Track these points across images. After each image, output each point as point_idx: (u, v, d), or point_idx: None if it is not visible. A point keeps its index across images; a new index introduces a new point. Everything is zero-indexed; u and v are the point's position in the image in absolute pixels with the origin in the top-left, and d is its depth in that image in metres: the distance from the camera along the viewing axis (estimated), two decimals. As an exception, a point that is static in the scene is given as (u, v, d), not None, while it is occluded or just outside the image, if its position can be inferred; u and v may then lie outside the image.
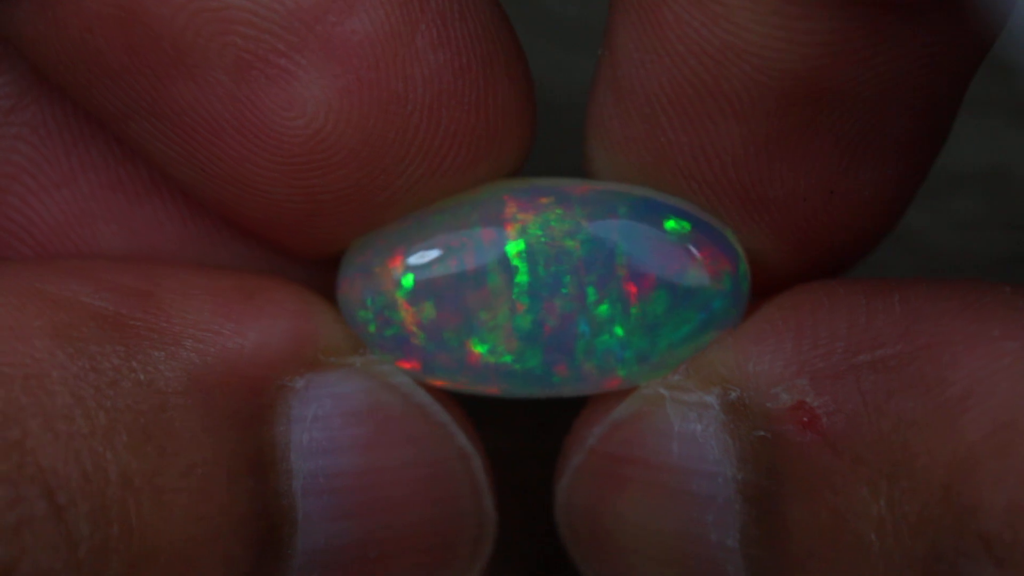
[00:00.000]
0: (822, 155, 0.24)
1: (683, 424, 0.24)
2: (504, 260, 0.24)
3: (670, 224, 0.25)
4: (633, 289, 0.24)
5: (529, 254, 0.24)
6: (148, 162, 0.26)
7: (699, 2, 0.23)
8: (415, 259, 0.24)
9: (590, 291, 0.24)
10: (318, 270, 0.26)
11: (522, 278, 0.24)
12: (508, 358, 0.24)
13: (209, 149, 0.24)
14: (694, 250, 0.24)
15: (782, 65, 0.23)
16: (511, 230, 0.24)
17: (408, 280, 0.24)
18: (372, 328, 0.25)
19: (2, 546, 0.20)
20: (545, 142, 0.26)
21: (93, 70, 0.24)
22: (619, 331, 0.24)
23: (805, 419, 0.23)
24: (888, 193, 0.26)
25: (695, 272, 0.24)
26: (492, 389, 0.25)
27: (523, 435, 0.27)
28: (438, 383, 0.25)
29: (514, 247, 0.24)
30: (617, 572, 0.26)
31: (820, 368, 0.23)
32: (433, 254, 0.24)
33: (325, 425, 0.24)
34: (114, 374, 0.22)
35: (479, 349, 0.24)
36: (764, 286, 0.26)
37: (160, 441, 0.22)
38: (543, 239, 0.24)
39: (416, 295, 0.24)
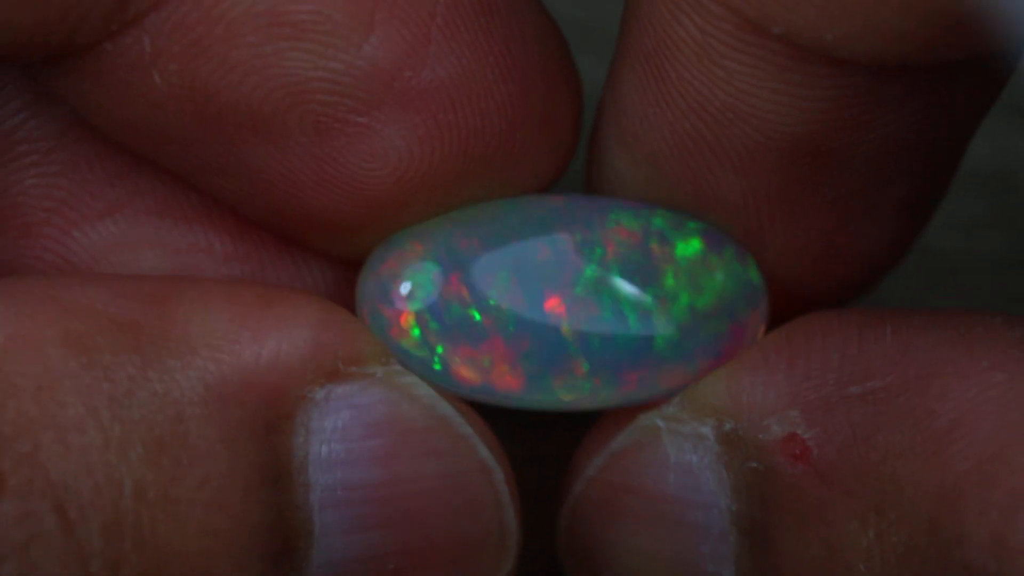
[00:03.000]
0: (821, 210, 0.25)
1: (679, 455, 0.25)
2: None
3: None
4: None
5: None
6: (217, 201, 0.26)
7: (702, 64, 0.23)
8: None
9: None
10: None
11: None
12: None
13: (286, 197, 0.25)
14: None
15: (782, 127, 0.23)
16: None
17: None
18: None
19: (12, 562, 0.20)
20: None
21: (161, 138, 0.24)
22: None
23: (796, 451, 0.23)
24: (886, 245, 0.26)
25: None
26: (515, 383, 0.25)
27: (527, 443, 0.27)
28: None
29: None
30: None
31: (811, 400, 0.23)
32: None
33: (344, 436, 0.24)
34: (129, 384, 0.22)
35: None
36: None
37: (175, 452, 0.22)
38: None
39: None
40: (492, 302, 0.24)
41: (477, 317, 0.24)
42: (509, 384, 0.24)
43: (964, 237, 0.34)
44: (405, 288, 0.24)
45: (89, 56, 0.23)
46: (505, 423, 0.26)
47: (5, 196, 0.26)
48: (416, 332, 0.24)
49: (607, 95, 0.26)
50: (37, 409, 0.21)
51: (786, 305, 0.26)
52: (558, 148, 0.25)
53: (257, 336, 0.23)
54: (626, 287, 0.24)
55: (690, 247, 0.25)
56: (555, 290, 0.24)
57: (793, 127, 0.23)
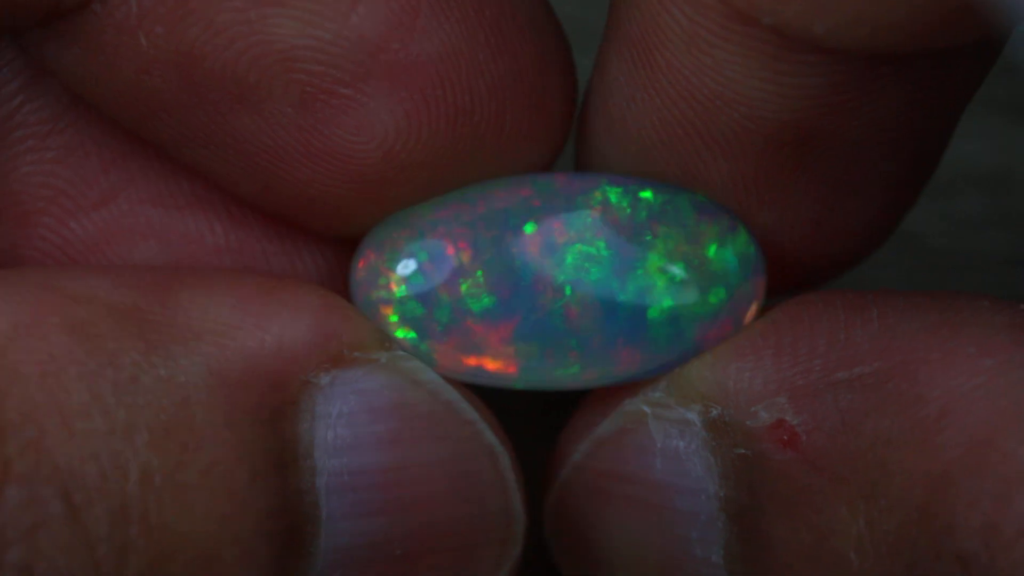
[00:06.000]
0: (807, 193, 0.25)
1: (666, 441, 0.24)
2: None
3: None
4: None
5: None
6: (204, 178, 0.26)
7: (690, 52, 0.23)
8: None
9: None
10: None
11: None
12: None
13: (274, 172, 0.24)
14: None
15: (770, 114, 0.23)
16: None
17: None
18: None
19: (18, 548, 0.20)
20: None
21: (148, 106, 0.24)
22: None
23: (784, 437, 0.23)
24: (871, 225, 0.26)
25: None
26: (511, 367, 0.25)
27: (521, 427, 0.27)
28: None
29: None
30: None
31: (799, 386, 0.23)
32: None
33: (350, 422, 0.24)
34: (133, 369, 0.22)
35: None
36: None
37: (181, 437, 0.22)
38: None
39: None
40: (481, 284, 0.24)
41: (466, 300, 0.24)
42: (502, 366, 0.24)
43: (963, 237, 0.34)
44: (395, 273, 0.25)
45: (78, 19, 0.23)
46: (506, 407, 0.26)
47: (3, 183, 0.26)
48: (404, 315, 0.24)
49: (595, 78, 0.26)
50: (42, 396, 0.21)
51: (773, 283, 0.26)
52: (550, 131, 0.25)
53: (260, 322, 0.23)
54: (616, 261, 0.24)
55: (681, 217, 0.25)
56: (545, 269, 0.24)
57: (781, 114, 0.23)
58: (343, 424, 0.24)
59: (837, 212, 0.25)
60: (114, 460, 0.21)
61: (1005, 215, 0.34)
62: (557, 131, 0.26)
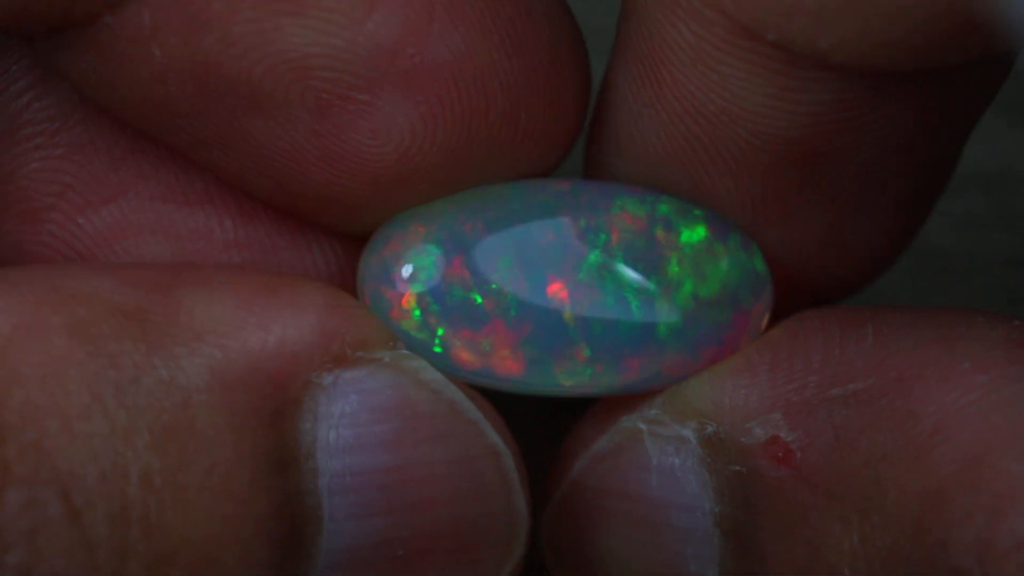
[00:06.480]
0: (816, 210, 0.25)
1: (661, 458, 0.24)
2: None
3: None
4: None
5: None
6: (214, 174, 0.26)
7: (697, 68, 0.23)
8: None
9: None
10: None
11: None
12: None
13: (289, 174, 0.24)
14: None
15: (776, 131, 0.23)
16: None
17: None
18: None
19: (18, 551, 0.20)
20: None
21: (162, 112, 0.24)
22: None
23: (779, 454, 0.23)
24: (883, 243, 0.26)
25: None
26: (515, 366, 0.24)
27: (529, 429, 0.27)
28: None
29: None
30: None
31: (794, 402, 0.23)
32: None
33: (352, 422, 0.24)
34: (134, 371, 0.22)
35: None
36: None
37: (182, 439, 0.22)
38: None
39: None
40: (494, 285, 0.24)
41: (479, 300, 0.24)
42: (509, 368, 0.24)
43: (964, 237, 0.34)
44: (407, 270, 0.24)
45: (89, 29, 0.23)
46: (514, 409, 0.26)
47: (10, 180, 0.26)
48: (417, 314, 0.24)
49: (603, 95, 0.26)
50: (43, 397, 0.21)
51: (783, 301, 0.26)
52: (564, 128, 0.25)
53: (263, 322, 0.23)
54: (630, 273, 0.24)
55: (695, 234, 0.25)
56: (558, 275, 0.24)
57: (788, 130, 0.23)
58: (345, 425, 0.23)
59: (845, 231, 0.25)
60: (114, 462, 0.21)
61: (1007, 216, 0.34)
62: (570, 128, 0.25)
